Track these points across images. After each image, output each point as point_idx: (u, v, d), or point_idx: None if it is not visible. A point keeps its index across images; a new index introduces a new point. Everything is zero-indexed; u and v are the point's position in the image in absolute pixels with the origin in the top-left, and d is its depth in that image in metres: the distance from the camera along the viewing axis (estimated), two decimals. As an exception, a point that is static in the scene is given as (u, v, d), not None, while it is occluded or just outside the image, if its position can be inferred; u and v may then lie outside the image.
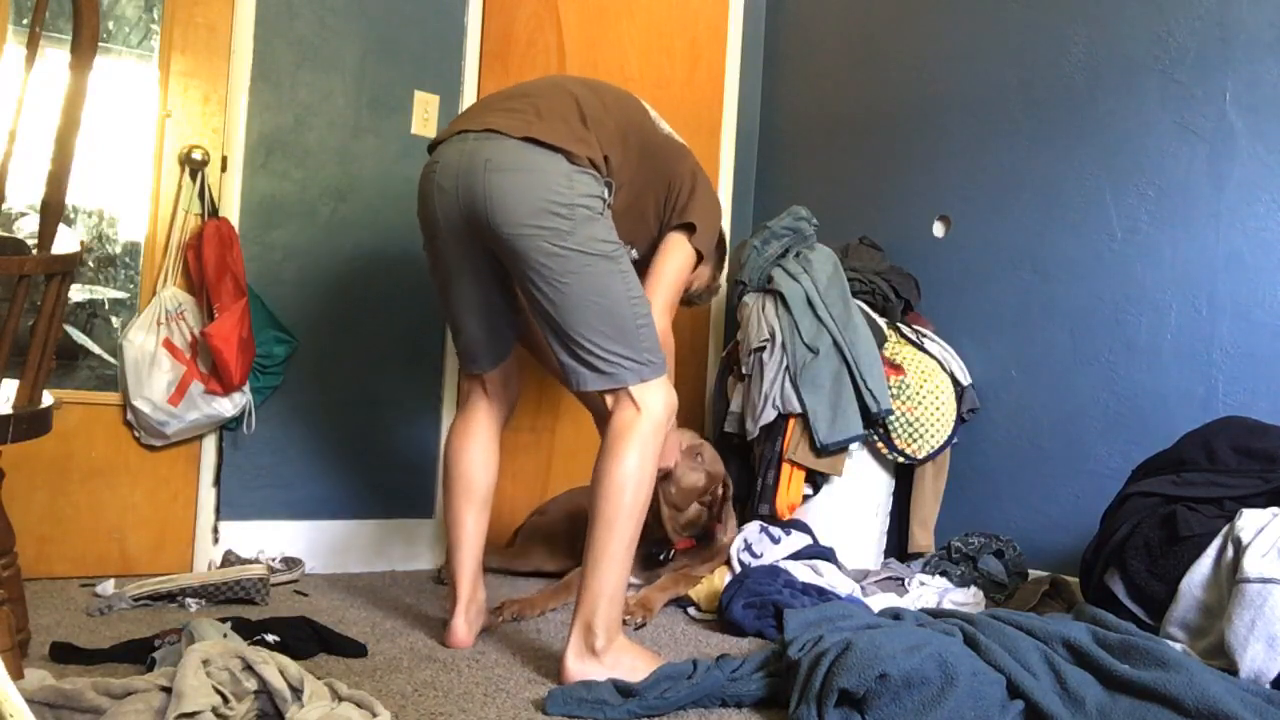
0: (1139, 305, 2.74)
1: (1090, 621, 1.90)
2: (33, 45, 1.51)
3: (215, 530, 2.80)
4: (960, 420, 3.01)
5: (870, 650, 1.64)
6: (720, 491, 2.77)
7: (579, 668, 1.84)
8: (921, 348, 3.03)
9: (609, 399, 1.94)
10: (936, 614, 2.06)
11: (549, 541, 3.04)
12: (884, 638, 1.71)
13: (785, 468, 2.92)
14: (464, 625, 2.16)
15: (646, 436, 1.90)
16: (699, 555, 2.78)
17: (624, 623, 2.43)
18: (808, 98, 3.76)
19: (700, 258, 2.21)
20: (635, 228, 2.15)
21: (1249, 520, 2.00)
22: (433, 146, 2.09)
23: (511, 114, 1.95)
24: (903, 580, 2.74)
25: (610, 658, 1.86)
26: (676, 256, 2.16)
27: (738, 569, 2.65)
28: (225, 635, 1.79)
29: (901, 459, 2.96)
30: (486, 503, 2.23)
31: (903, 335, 3.09)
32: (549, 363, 2.35)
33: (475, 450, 2.21)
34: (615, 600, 1.87)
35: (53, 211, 1.56)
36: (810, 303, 3.00)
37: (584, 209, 1.89)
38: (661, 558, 2.73)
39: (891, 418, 2.93)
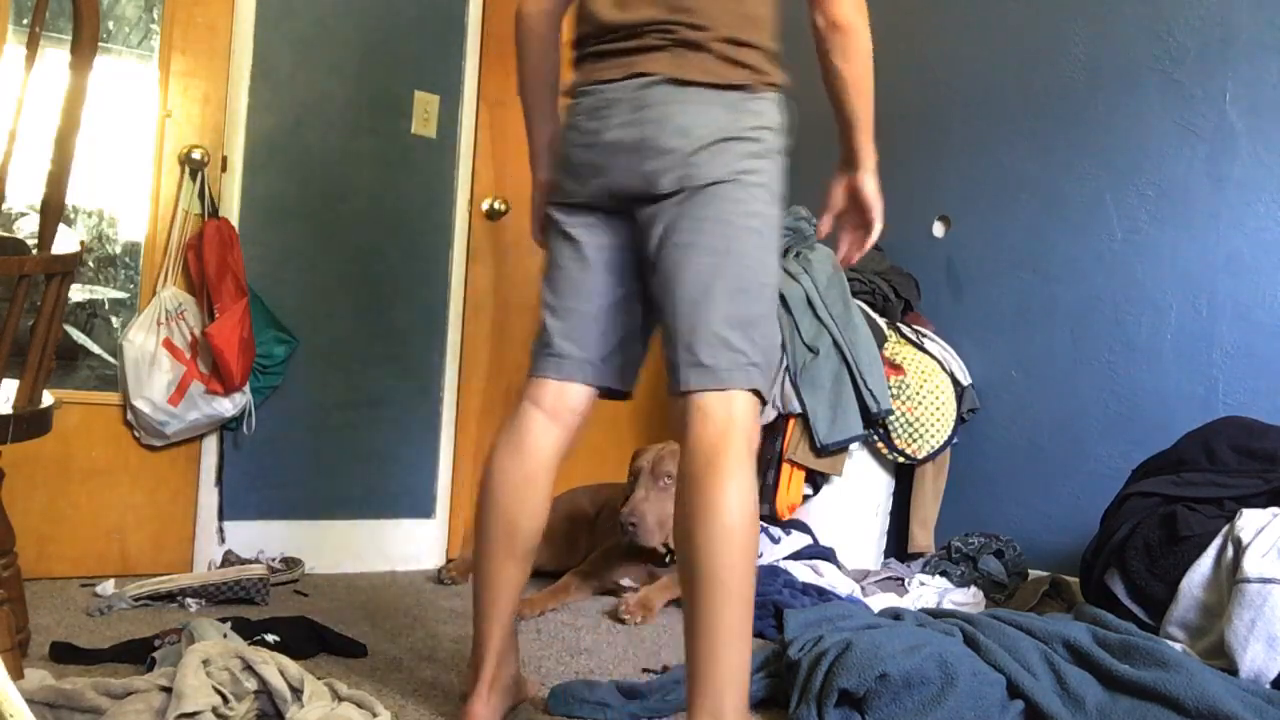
0: (1139, 305, 2.74)
1: (1090, 621, 1.90)
2: (33, 45, 1.51)
3: (220, 530, 2.81)
4: (960, 420, 3.01)
5: (870, 650, 1.64)
6: None
7: None
8: (921, 348, 3.03)
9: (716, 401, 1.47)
10: (936, 614, 2.06)
11: (549, 541, 3.00)
12: (884, 638, 1.71)
13: (785, 468, 2.92)
14: (485, 709, 1.59)
15: (747, 443, 1.46)
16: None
17: (623, 622, 2.44)
18: (807, 97, 3.75)
19: None
20: None
21: (1249, 520, 2.00)
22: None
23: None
24: (903, 580, 2.74)
25: None
26: None
27: (738, 569, 2.64)
28: (225, 635, 1.79)
29: (901, 459, 2.96)
30: (529, 556, 1.62)
31: (903, 335, 3.09)
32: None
33: (529, 488, 1.59)
34: (743, 688, 1.39)
35: (53, 211, 1.56)
36: (810, 303, 3.00)
37: None
38: (667, 561, 2.73)
39: (891, 418, 2.93)
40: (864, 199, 1.69)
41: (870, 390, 2.89)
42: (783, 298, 3.02)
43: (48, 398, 1.66)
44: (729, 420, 1.43)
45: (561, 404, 1.61)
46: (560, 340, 1.62)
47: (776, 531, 2.76)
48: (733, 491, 1.38)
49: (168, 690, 1.41)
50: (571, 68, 1.65)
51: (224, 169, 2.82)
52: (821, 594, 2.44)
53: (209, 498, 2.80)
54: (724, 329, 1.45)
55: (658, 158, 1.48)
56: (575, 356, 1.61)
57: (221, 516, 2.82)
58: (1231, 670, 1.83)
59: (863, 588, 2.65)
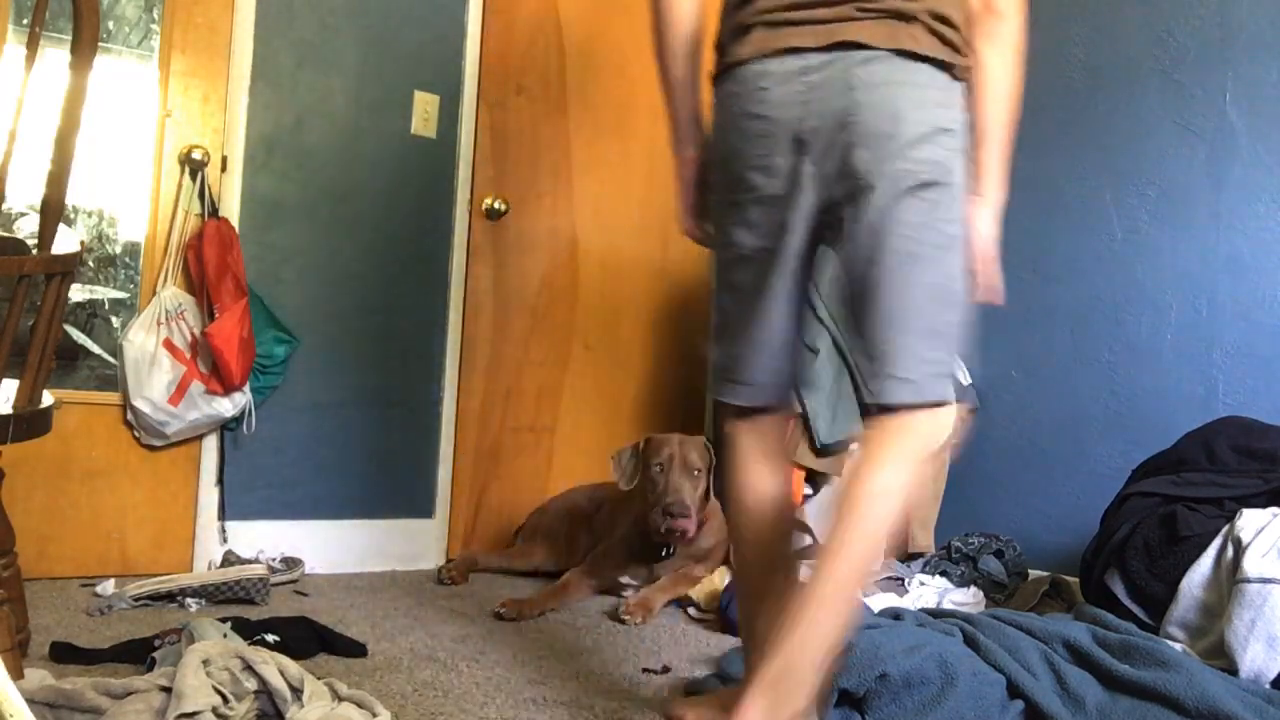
0: (1139, 305, 2.74)
1: (1090, 621, 1.90)
2: (33, 45, 1.51)
3: (222, 530, 2.81)
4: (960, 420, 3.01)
5: (870, 650, 1.64)
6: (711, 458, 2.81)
7: None
8: (921, 348, 3.03)
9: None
10: (936, 614, 2.07)
11: (549, 540, 3.04)
12: (884, 638, 1.71)
13: (785, 468, 2.92)
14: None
15: (920, 452, 1.37)
16: (693, 553, 2.78)
17: (623, 622, 2.44)
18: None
19: None
20: None
21: (1249, 520, 2.00)
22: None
23: None
24: (903, 580, 2.73)
25: None
26: None
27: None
28: (225, 635, 1.79)
29: (901, 459, 2.96)
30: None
31: (903, 335, 3.09)
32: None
33: (786, 501, 1.57)
34: (819, 666, 1.28)
35: (53, 211, 1.56)
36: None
37: None
38: (664, 554, 2.73)
39: (891, 418, 2.93)
40: (971, 244, 1.41)
41: (870, 390, 2.88)
42: (783, 298, 3.02)
43: (48, 398, 1.66)
44: (914, 426, 1.35)
45: (770, 418, 1.54)
46: (751, 371, 1.49)
47: (776, 531, 2.76)
48: (887, 478, 1.31)
49: (168, 690, 1.41)
50: (727, 39, 1.43)
51: (224, 169, 2.82)
52: (821, 594, 2.44)
53: (209, 498, 2.80)
54: (925, 341, 1.35)
55: (872, 146, 1.31)
56: (765, 384, 1.50)
57: (222, 516, 2.82)
58: (1231, 670, 1.83)
59: (863, 588, 2.65)
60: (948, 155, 1.34)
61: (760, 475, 1.53)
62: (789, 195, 1.37)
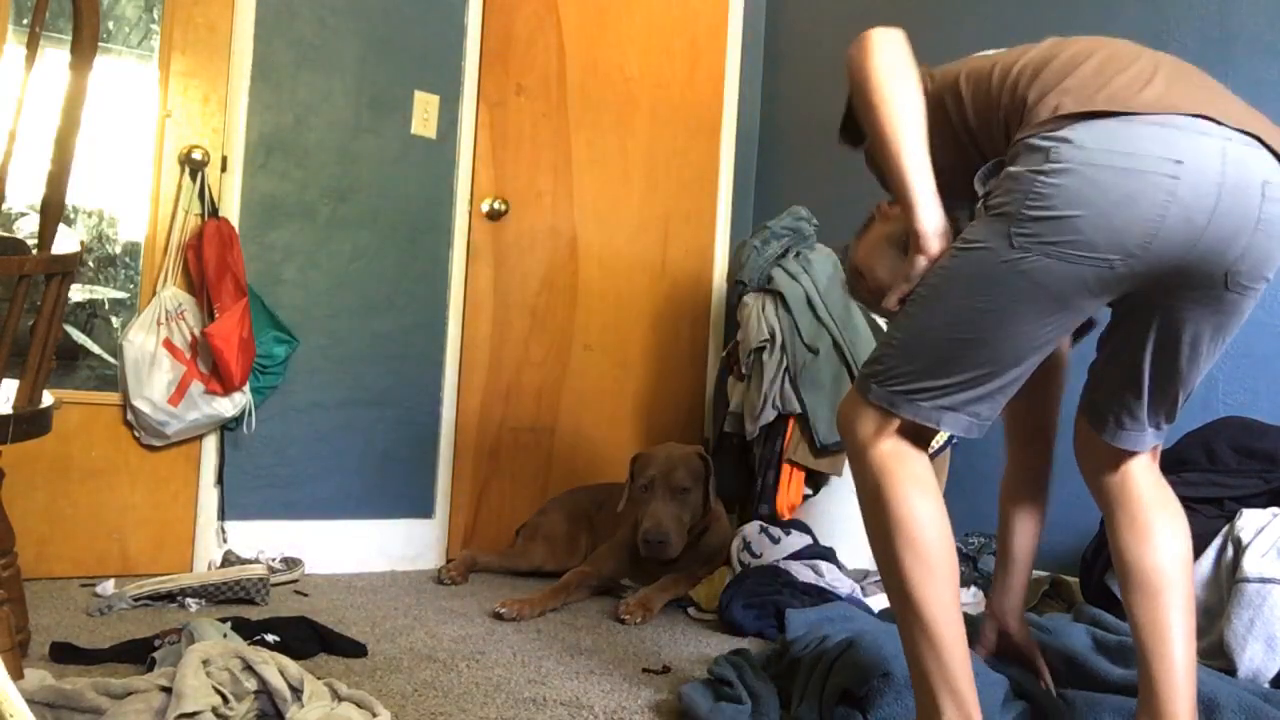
0: (1139, 305, 2.74)
1: (1090, 622, 1.91)
2: (33, 45, 1.51)
3: (222, 530, 2.81)
4: (960, 420, 3.01)
5: (872, 650, 1.64)
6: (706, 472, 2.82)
7: None
8: (921, 348, 3.03)
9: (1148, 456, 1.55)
10: (936, 614, 2.06)
11: (549, 541, 3.04)
12: (885, 637, 1.71)
13: (785, 468, 2.92)
14: None
15: None
16: (698, 555, 2.78)
17: (623, 622, 2.44)
18: (808, 98, 3.76)
19: None
20: None
21: (1249, 520, 2.00)
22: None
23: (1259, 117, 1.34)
24: (903, 580, 2.73)
25: None
26: None
27: (738, 569, 2.65)
28: (225, 635, 1.80)
29: (901, 459, 2.96)
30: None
31: (903, 335, 3.09)
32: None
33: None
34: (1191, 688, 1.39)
35: (53, 211, 1.56)
36: (810, 303, 3.00)
37: None
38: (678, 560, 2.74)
39: (891, 418, 2.93)
40: None
41: (870, 390, 2.88)
42: (782, 298, 3.02)
43: (48, 398, 1.66)
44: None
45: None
46: (997, 408, 1.44)
47: (776, 531, 2.76)
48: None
49: (168, 690, 1.41)
50: (1108, 86, 1.28)
51: (224, 169, 2.82)
52: (821, 594, 2.44)
53: (209, 498, 2.81)
54: None
55: (1257, 261, 1.25)
56: (992, 419, 1.46)
57: (222, 516, 2.82)
58: (1230, 670, 1.83)
59: (863, 588, 2.65)
60: None
61: (940, 501, 1.43)
62: (1139, 270, 1.23)
